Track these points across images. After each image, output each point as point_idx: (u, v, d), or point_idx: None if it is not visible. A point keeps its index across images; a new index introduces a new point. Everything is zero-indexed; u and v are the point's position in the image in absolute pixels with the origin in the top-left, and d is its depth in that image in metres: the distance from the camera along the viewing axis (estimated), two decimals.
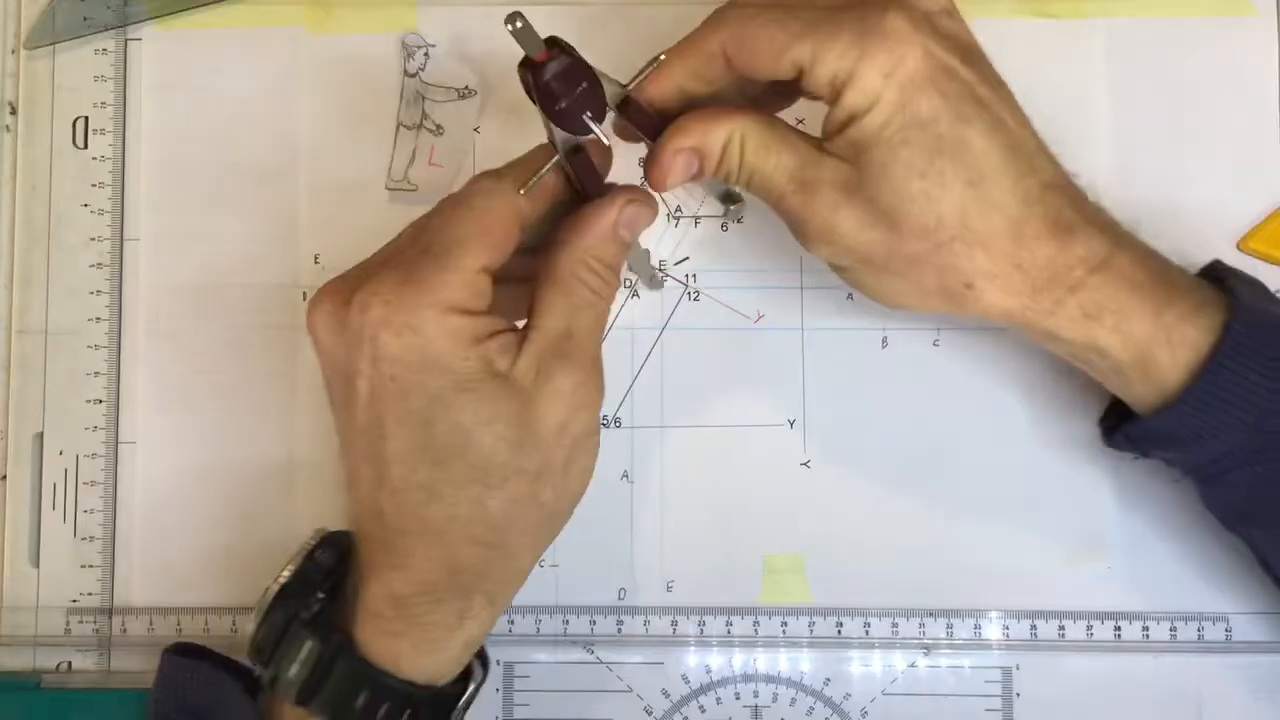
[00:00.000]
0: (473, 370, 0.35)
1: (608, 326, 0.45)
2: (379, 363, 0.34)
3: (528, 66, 0.35)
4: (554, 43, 0.35)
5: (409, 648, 0.36)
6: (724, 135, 0.38)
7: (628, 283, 0.47)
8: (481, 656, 0.40)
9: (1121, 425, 0.40)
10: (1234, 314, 0.37)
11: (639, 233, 0.39)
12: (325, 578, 0.38)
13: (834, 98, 0.36)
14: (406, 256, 0.36)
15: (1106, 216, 0.38)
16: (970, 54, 0.37)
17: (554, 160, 0.37)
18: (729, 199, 0.46)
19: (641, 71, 0.38)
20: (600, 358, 0.37)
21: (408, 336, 0.34)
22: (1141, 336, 0.37)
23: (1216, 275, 0.40)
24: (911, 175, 0.36)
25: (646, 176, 0.38)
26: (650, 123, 0.38)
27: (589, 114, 0.36)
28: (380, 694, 0.36)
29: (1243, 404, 0.37)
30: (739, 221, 0.47)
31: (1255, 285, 0.40)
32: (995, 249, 0.36)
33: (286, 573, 0.37)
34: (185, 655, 0.40)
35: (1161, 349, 0.37)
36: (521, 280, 0.38)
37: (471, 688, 0.39)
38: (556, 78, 0.35)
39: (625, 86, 0.37)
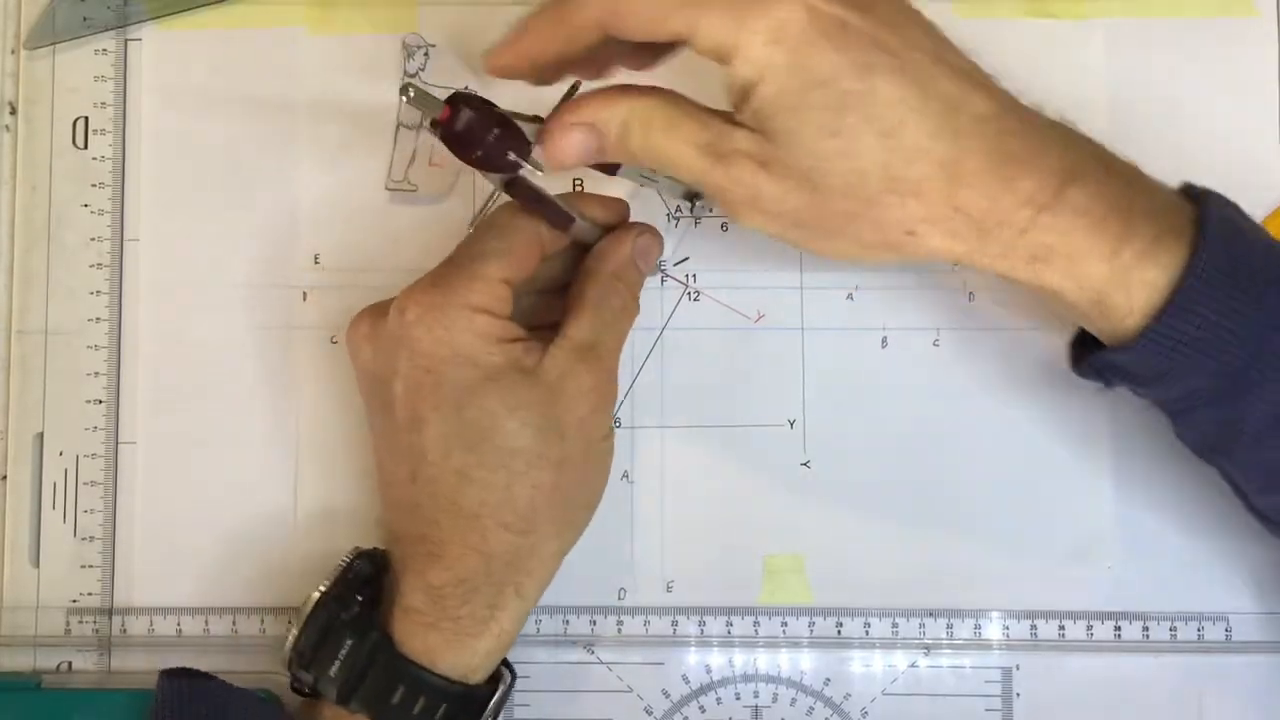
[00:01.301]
0: (498, 364, 0.38)
1: None
2: (415, 357, 0.38)
3: (435, 126, 0.37)
4: (456, 99, 0.37)
5: (443, 642, 0.38)
6: (623, 113, 0.37)
7: None
8: (509, 665, 0.41)
9: (1087, 355, 0.39)
10: (1196, 251, 0.35)
11: (653, 263, 0.44)
12: (364, 585, 0.40)
13: (724, 64, 0.35)
14: (437, 270, 0.39)
15: (1060, 139, 0.36)
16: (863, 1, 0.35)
17: (492, 195, 0.41)
18: (691, 196, 0.46)
19: (563, 99, 0.38)
20: (616, 373, 0.41)
21: (439, 332, 0.38)
22: (1096, 279, 0.35)
23: (1190, 194, 0.38)
24: (823, 136, 0.34)
25: (543, 153, 0.38)
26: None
27: (511, 154, 0.37)
28: (416, 688, 0.38)
29: (1204, 346, 0.35)
30: (710, 212, 0.47)
31: (1229, 209, 0.37)
32: (930, 195, 0.35)
33: (325, 584, 0.39)
34: (185, 677, 0.41)
35: (1118, 292, 0.35)
36: (545, 295, 0.42)
37: (501, 689, 0.40)
38: (464, 131, 0.37)
39: (543, 121, 0.38)
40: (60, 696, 0.46)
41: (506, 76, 0.38)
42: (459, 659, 0.39)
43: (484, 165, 0.38)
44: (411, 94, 0.36)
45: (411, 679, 0.38)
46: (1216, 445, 0.39)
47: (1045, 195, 0.35)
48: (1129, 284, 0.35)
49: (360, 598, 0.39)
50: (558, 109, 0.38)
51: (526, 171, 0.38)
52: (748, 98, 0.35)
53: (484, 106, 0.37)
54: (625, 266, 0.41)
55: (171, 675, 0.41)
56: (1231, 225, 0.36)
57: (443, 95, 0.47)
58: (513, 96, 0.39)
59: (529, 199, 0.39)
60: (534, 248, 0.40)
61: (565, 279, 0.42)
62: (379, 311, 0.40)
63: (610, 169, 0.41)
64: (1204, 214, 0.36)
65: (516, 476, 0.38)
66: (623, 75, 0.39)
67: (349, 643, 0.38)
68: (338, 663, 0.38)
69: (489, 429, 0.38)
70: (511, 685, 0.41)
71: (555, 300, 0.42)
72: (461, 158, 0.38)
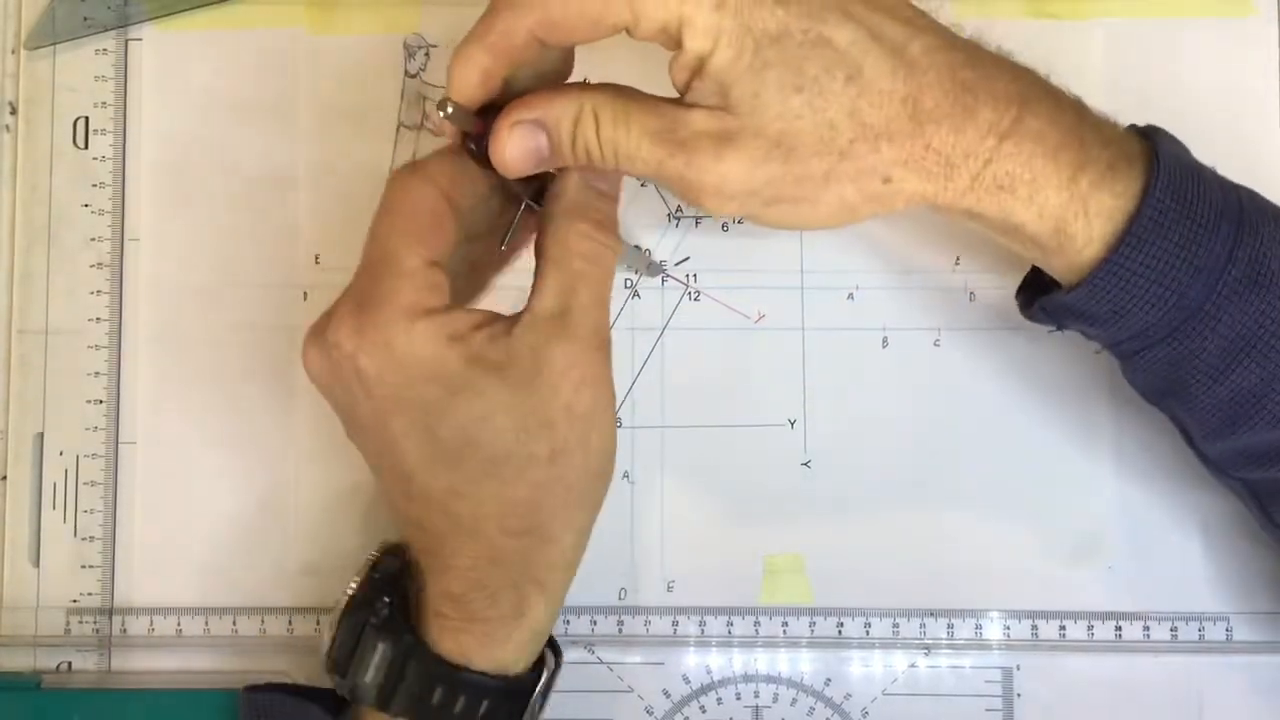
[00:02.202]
0: (456, 370, 0.35)
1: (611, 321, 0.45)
2: (370, 388, 0.35)
3: (468, 139, 0.36)
4: (489, 110, 0.36)
5: (475, 643, 0.37)
6: (573, 109, 0.35)
7: (627, 283, 0.47)
8: (554, 646, 0.40)
9: (1038, 298, 0.39)
10: (1154, 179, 0.35)
11: (615, 180, 0.38)
12: (391, 585, 0.38)
13: (674, 45, 0.34)
14: (356, 281, 0.36)
15: (1008, 68, 0.36)
16: None
17: (522, 207, 0.38)
18: None
19: None
20: (603, 332, 0.37)
21: (381, 356, 0.34)
22: (1056, 206, 0.35)
23: (1139, 132, 0.38)
24: (787, 93, 0.34)
25: (491, 158, 0.36)
26: None
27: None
28: (455, 688, 0.37)
29: (1160, 279, 0.35)
30: (698, 218, 0.47)
31: (1178, 145, 0.38)
32: (899, 135, 0.35)
33: (353, 585, 0.38)
34: (261, 691, 0.41)
35: (1077, 220, 0.35)
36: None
37: (545, 675, 0.39)
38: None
39: None
40: (60, 696, 0.46)
41: (470, 109, 0.36)
42: (494, 655, 0.37)
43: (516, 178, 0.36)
44: (450, 109, 0.35)
45: (449, 679, 0.37)
46: (1169, 387, 0.38)
47: (1005, 123, 0.35)
48: (1087, 212, 0.35)
49: (388, 599, 0.38)
50: (504, 109, 0.36)
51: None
52: (702, 71, 0.34)
53: None
54: (579, 196, 0.37)
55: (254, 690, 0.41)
56: (1182, 159, 0.37)
57: (443, 95, 0.48)
58: None
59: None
60: (441, 212, 0.36)
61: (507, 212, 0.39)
62: (319, 336, 0.36)
63: None
64: (1156, 146, 0.36)
65: (508, 482, 0.35)
66: None
67: (381, 647, 0.37)
68: (373, 669, 0.37)
69: (466, 443, 0.35)
70: (558, 669, 0.40)
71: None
72: (491, 168, 0.36)
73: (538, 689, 0.39)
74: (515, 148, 0.36)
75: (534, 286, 0.36)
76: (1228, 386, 0.37)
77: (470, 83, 0.35)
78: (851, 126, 0.34)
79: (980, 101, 0.35)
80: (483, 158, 0.36)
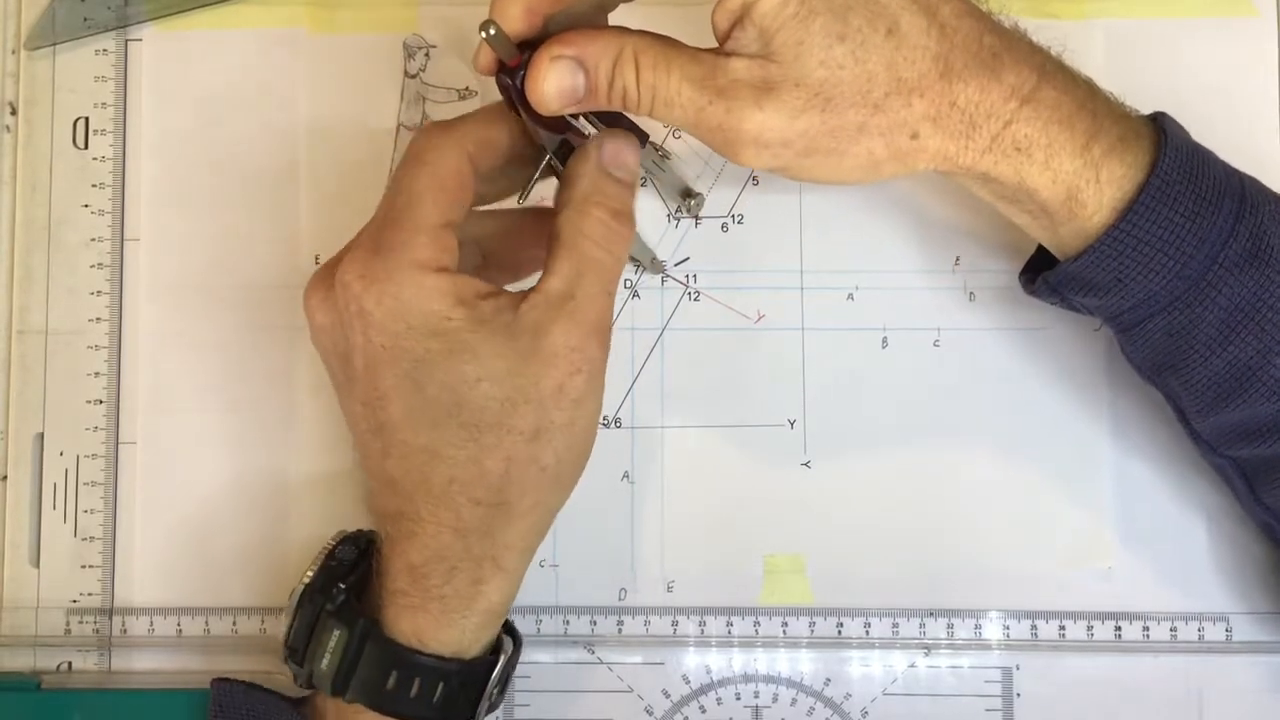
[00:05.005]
0: (458, 330, 0.35)
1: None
2: (369, 332, 0.35)
3: (504, 71, 0.36)
4: (529, 46, 0.36)
5: (430, 622, 0.37)
6: (614, 49, 0.36)
7: (627, 283, 0.47)
8: (513, 632, 0.40)
9: (1043, 275, 0.40)
10: (1162, 152, 0.37)
11: (633, 168, 0.38)
12: (348, 572, 0.39)
13: None
14: (373, 227, 0.36)
15: (1027, 40, 0.38)
16: None
17: (546, 160, 0.38)
18: (687, 194, 0.46)
19: None
20: (606, 322, 0.37)
21: (388, 302, 0.35)
22: (1069, 173, 0.36)
23: (1148, 116, 0.39)
24: (832, 41, 0.35)
25: (526, 92, 0.36)
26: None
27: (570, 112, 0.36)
28: (410, 671, 0.37)
29: (1166, 247, 0.36)
30: (698, 213, 0.47)
31: (1183, 129, 0.39)
32: (930, 91, 0.36)
33: (310, 572, 0.38)
34: (223, 684, 0.41)
35: (1089, 186, 0.37)
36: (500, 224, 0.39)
37: (503, 659, 0.39)
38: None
39: None
40: (60, 696, 0.46)
41: (511, 38, 0.36)
42: (449, 637, 0.37)
43: (540, 120, 0.36)
44: (492, 30, 0.34)
45: (404, 663, 0.37)
46: (1167, 360, 0.39)
47: (1026, 88, 0.36)
48: (1099, 179, 0.36)
49: (344, 585, 0.38)
50: (544, 43, 0.36)
51: (580, 129, 0.37)
52: (747, 17, 0.35)
53: None
54: (595, 185, 0.37)
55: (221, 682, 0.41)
56: (1187, 139, 0.38)
57: (443, 95, 0.48)
58: None
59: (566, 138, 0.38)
60: (466, 175, 0.37)
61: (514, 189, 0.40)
62: (326, 278, 0.37)
63: None
64: (1163, 124, 0.38)
65: (486, 450, 0.35)
66: None
67: (337, 633, 0.37)
68: (328, 655, 0.37)
69: (452, 404, 0.35)
70: (516, 653, 0.40)
71: (514, 233, 0.41)
72: (523, 109, 0.36)
73: (494, 674, 0.39)
74: (553, 83, 0.36)
75: (545, 267, 0.37)
76: (1224, 359, 0.37)
77: (512, 14, 0.35)
78: (888, 79, 0.35)
79: (1004, 65, 0.36)
80: (514, 96, 0.36)
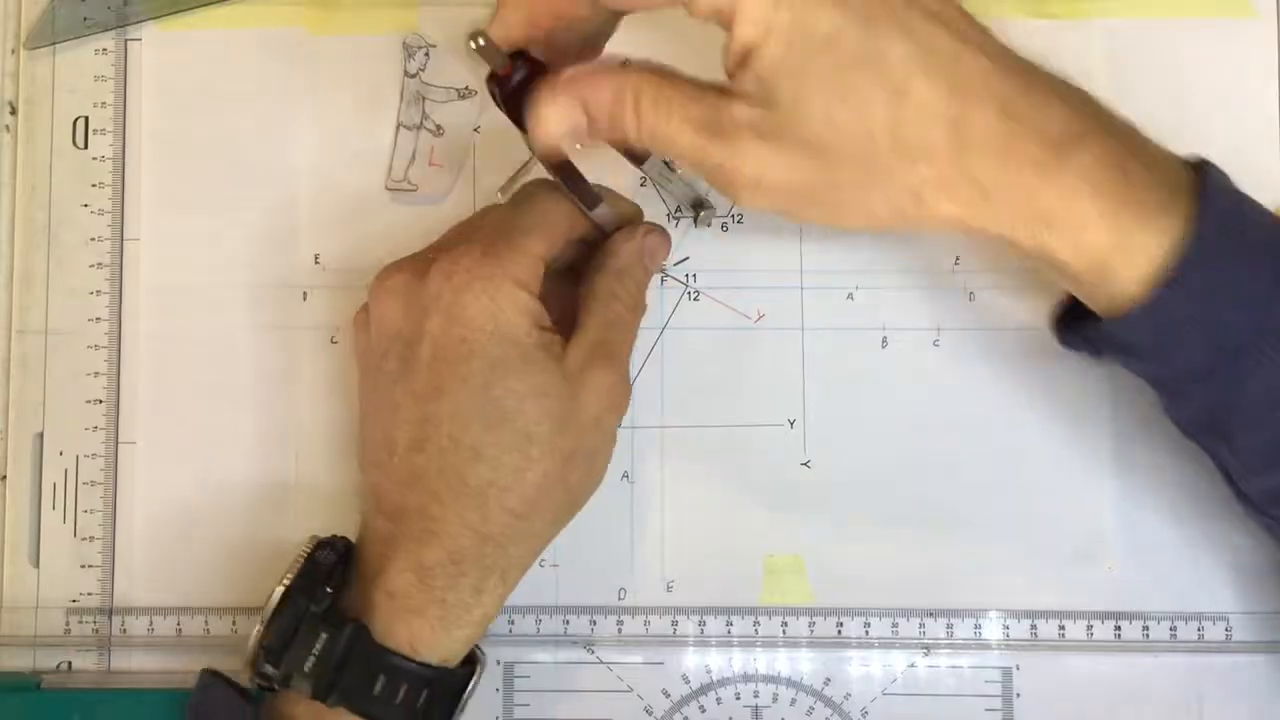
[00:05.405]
0: (533, 346, 0.38)
1: None
2: (453, 325, 0.37)
3: (494, 80, 0.37)
4: (519, 55, 0.36)
5: (426, 627, 0.37)
6: (613, 88, 0.35)
7: None
8: (478, 649, 0.41)
9: (1077, 325, 0.38)
10: (1197, 222, 0.34)
11: (659, 264, 0.44)
12: (329, 575, 0.39)
13: (725, 28, 0.34)
14: (480, 236, 0.39)
15: (1060, 96, 0.35)
16: None
17: (527, 163, 0.39)
18: (699, 205, 0.46)
19: None
20: (628, 369, 0.41)
21: (484, 300, 0.37)
22: (1098, 247, 0.34)
23: (1188, 163, 0.37)
24: (830, 98, 0.33)
25: (528, 131, 0.37)
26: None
27: None
28: (397, 677, 0.37)
29: (1200, 322, 0.34)
30: (708, 226, 0.47)
31: (1227, 180, 0.36)
32: (939, 157, 0.34)
33: (290, 576, 0.38)
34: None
35: (1118, 255, 0.34)
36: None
37: (479, 671, 0.40)
38: (520, 88, 0.36)
39: None
40: (60, 696, 0.46)
41: (503, 49, 0.36)
42: (441, 644, 0.38)
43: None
44: (481, 41, 0.35)
45: (392, 668, 0.37)
46: (1209, 425, 0.38)
47: (1050, 157, 0.34)
48: (1130, 250, 0.34)
49: (329, 589, 0.38)
50: (544, 80, 0.36)
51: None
52: (749, 62, 0.34)
53: (543, 70, 0.37)
54: (632, 262, 0.41)
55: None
56: (1231, 196, 0.36)
57: (443, 95, 0.48)
58: None
59: (565, 172, 0.39)
60: (568, 226, 0.40)
61: (568, 266, 0.43)
62: (416, 269, 0.39)
63: (638, 158, 0.41)
64: (1204, 182, 0.35)
65: (530, 462, 0.38)
66: None
67: (324, 636, 0.37)
68: (313, 658, 0.37)
69: (512, 411, 0.37)
70: (483, 669, 0.40)
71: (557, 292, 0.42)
72: (511, 117, 0.37)
73: (470, 686, 0.39)
74: (554, 123, 0.36)
75: (581, 315, 0.40)
76: (1272, 428, 0.36)
77: (514, 23, 0.36)
78: (889, 141, 0.34)
79: (1027, 133, 0.34)
80: (505, 103, 0.37)
